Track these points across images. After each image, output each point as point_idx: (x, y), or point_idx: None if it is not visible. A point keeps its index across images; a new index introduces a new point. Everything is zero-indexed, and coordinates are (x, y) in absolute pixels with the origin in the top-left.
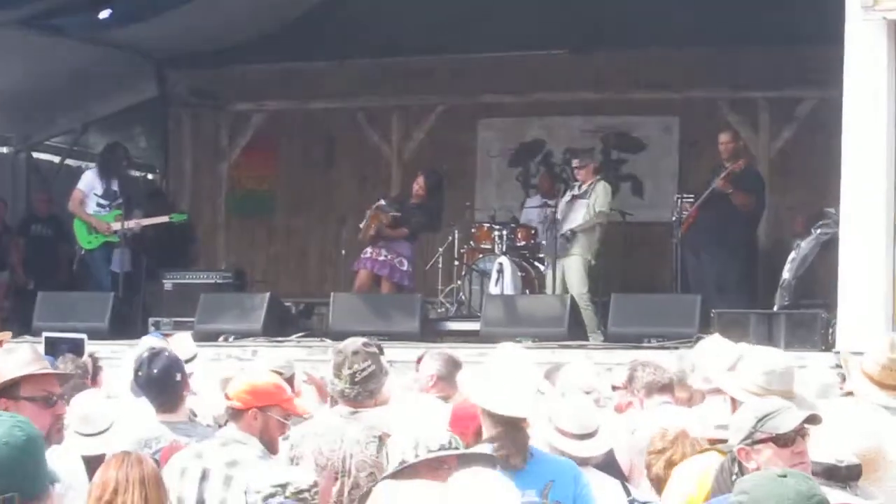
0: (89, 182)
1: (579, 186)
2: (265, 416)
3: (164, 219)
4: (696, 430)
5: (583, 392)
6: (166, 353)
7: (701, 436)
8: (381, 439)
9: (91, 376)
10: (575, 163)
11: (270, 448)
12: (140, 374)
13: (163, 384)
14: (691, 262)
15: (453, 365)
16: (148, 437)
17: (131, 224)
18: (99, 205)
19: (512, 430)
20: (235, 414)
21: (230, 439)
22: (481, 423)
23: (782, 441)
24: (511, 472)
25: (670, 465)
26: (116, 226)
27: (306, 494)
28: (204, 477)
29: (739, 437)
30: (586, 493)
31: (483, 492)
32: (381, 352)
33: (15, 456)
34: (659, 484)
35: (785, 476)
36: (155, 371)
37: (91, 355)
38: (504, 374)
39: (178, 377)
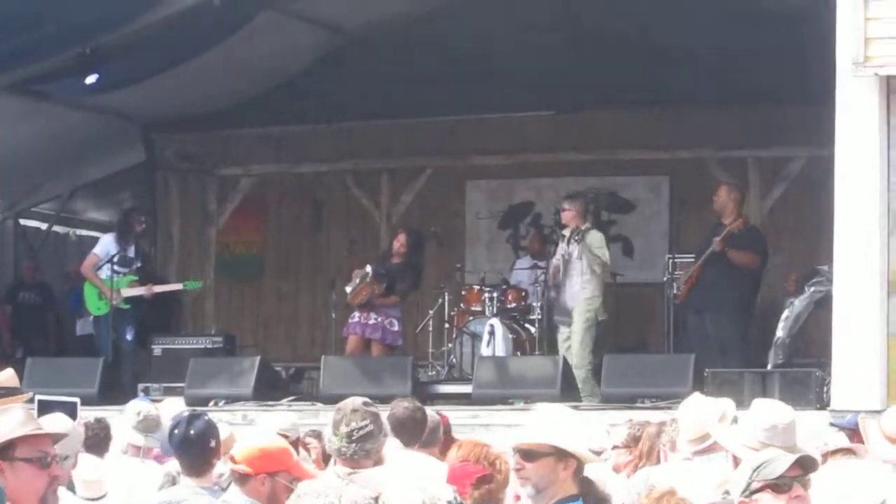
0: (105, 247)
1: (567, 239)
2: (273, 482)
3: (178, 286)
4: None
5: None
6: (206, 417)
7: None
8: (377, 500)
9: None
10: (563, 205)
11: None
12: (176, 433)
13: (197, 447)
14: (692, 322)
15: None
16: (170, 500)
17: (142, 291)
18: (115, 271)
19: (588, 482)
20: (242, 478)
21: None
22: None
23: (778, 488)
24: None
25: None
26: (128, 292)
27: None
28: None
29: (739, 490)
30: None
31: None
32: None
33: None
34: None
35: None
36: (192, 433)
37: (100, 421)
38: (576, 422)
39: (213, 443)
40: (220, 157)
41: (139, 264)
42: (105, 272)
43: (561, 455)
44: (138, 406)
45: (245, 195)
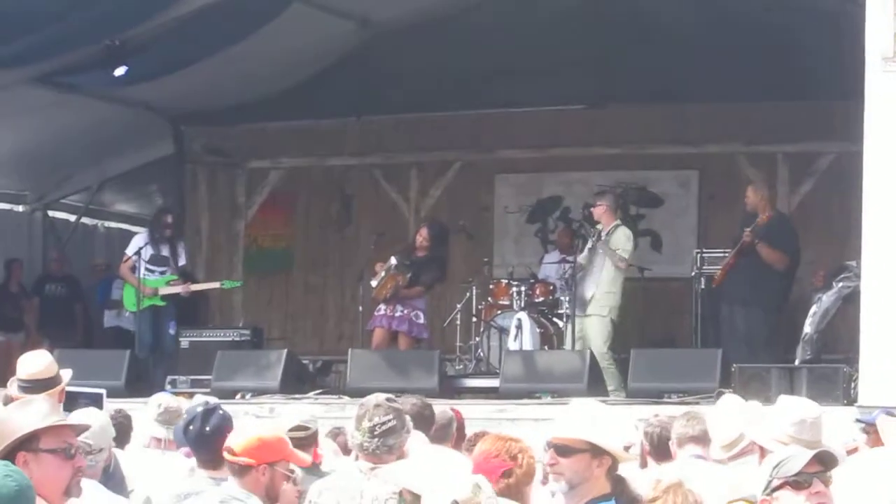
0: (135, 246)
1: (597, 234)
2: (272, 472)
3: (216, 285)
4: (722, 489)
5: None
6: (220, 412)
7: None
8: (402, 495)
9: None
10: (595, 202)
11: (274, 502)
12: (192, 428)
13: (213, 442)
14: (725, 314)
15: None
16: (188, 492)
17: (179, 289)
18: (147, 269)
19: (622, 481)
20: (241, 470)
21: (229, 497)
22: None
23: (797, 485)
24: None
25: None
26: (165, 290)
27: None
28: None
29: (760, 488)
30: None
31: None
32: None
33: None
34: None
35: None
36: (207, 428)
37: (120, 412)
38: (611, 420)
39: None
40: (249, 151)
41: (183, 262)
42: (141, 270)
43: (596, 452)
44: (160, 398)
45: (273, 188)
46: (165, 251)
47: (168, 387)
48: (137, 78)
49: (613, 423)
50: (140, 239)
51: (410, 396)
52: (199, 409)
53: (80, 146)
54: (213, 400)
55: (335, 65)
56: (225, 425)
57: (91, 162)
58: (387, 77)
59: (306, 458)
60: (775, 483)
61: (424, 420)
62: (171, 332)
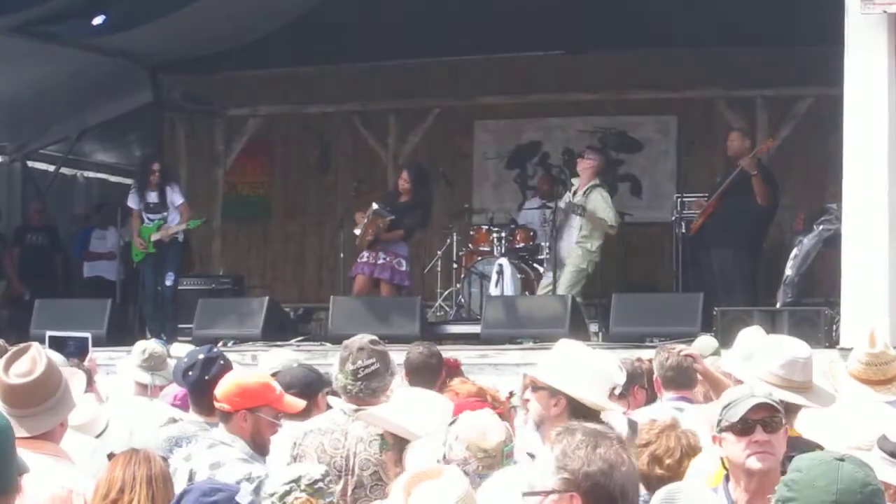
0: (132, 199)
1: (574, 191)
2: (255, 417)
3: (183, 226)
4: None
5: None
6: (221, 361)
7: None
8: (384, 437)
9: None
10: (585, 154)
11: (262, 449)
12: (191, 374)
13: (211, 389)
14: (703, 259)
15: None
16: (179, 436)
17: (159, 235)
18: (149, 218)
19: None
20: (225, 416)
21: (217, 441)
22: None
23: (740, 429)
24: None
25: (654, 460)
26: (155, 236)
27: (321, 485)
28: (190, 479)
29: (714, 425)
30: None
31: None
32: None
33: None
34: (646, 480)
35: (842, 460)
36: (207, 376)
37: (91, 359)
38: (585, 363)
39: None
40: (228, 98)
41: (179, 201)
42: (145, 220)
43: (553, 392)
44: (144, 345)
45: (252, 136)
46: (155, 198)
47: (149, 335)
48: (116, 27)
49: (584, 367)
50: (132, 192)
51: (418, 345)
52: (201, 356)
53: (58, 96)
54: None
55: (313, 11)
56: (224, 373)
57: (70, 112)
58: (364, 23)
59: (298, 403)
60: (723, 424)
61: (430, 370)
62: (168, 283)
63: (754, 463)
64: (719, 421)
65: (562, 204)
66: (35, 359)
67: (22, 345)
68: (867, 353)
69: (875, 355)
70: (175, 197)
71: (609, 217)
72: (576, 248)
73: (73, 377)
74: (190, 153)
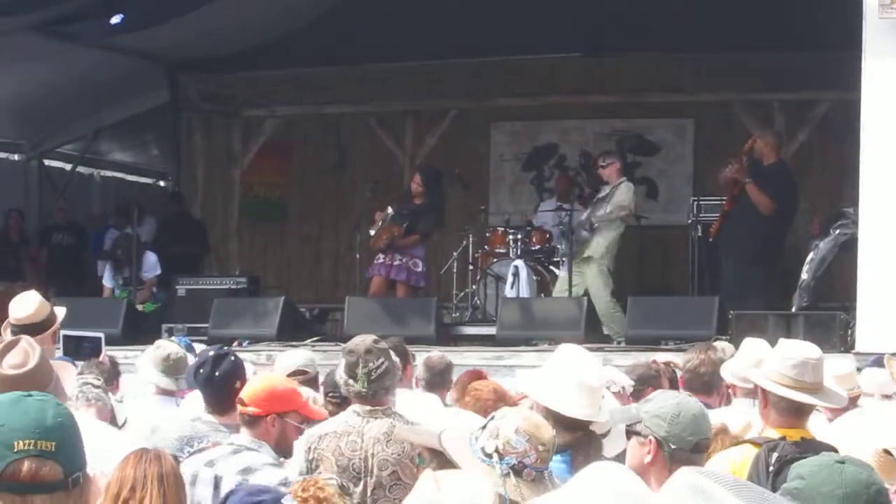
0: (107, 278)
1: (603, 189)
2: (283, 423)
3: (139, 307)
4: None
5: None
6: (231, 358)
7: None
8: (422, 454)
9: (107, 380)
10: (601, 161)
11: (286, 455)
12: (201, 371)
13: (221, 387)
14: (721, 260)
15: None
16: (191, 436)
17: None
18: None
19: (586, 437)
20: (251, 421)
21: (241, 447)
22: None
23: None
24: None
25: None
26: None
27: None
28: (216, 485)
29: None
30: None
31: None
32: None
33: (72, 435)
34: None
35: (843, 462)
36: (217, 374)
37: (111, 358)
38: (572, 376)
39: (238, 384)
40: (245, 99)
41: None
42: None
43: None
44: (164, 349)
45: (269, 137)
46: (127, 272)
47: (167, 335)
48: (133, 26)
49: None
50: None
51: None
52: (211, 353)
53: (76, 95)
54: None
55: (332, 12)
56: (235, 371)
57: (87, 111)
58: (382, 25)
59: (322, 411)
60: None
61: (400, 356)
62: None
63: None
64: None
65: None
66: (27, 351)
67: (13, 338)
68: None
69: None
70: (153, 269)
71: (626, 199)
72: (594, 242)
73: (64, 370)
74: (207, 153)
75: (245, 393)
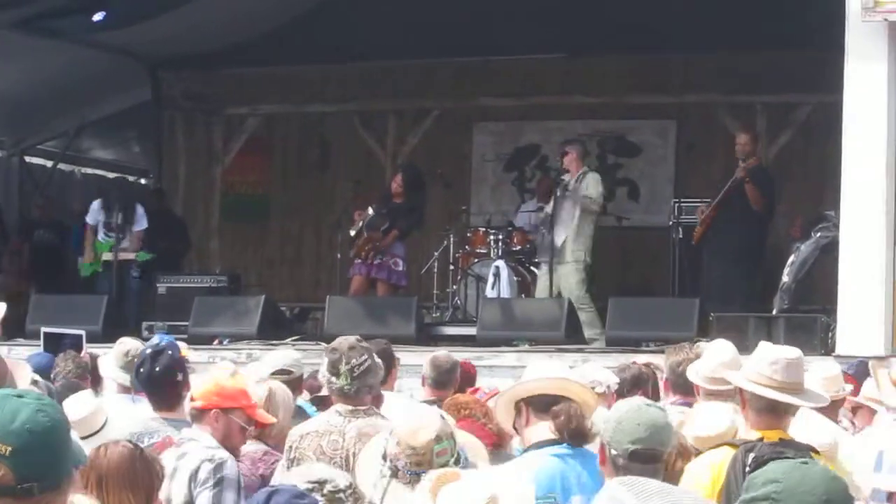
0: (91, 216)
1: (566, 184)
2: (227, 419)
3: (131, 255)
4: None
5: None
6: (169, 353)
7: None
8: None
9: (92, 375)
10: (563, 149)
11: (232, 454)
12: (142, 370)
13: (163, 383)
14: (703, 262)
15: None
16: (141, 432)
17: (109, 257)
18: (106, 234)
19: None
20: (197, 415)
21: (187, 437)
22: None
23: None
24: None
25: None
26: (106, 255)
27: (342, 496)
28: (192, 479)
29: None
30: None
31: None
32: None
33: (39, 443)
34: None
35: (806, 463)
36: (157, 369)
37: (91, 354)
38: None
39: (180, 377)
40: (227, 97)
41: (140, 227)
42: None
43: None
44: (128, 346)
45: (251, 135)
46: (120, 219)
47: (145, 332)
48: (116, 23)
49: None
50: (96, 205)
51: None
52: (148, 350)
53: (58, 92)
54: (166, 337)
55: (314, 10)
56: (173, 365)
57: (69, 108)
58: (365, 24)
59: (269, 418)
60: None
61: (385, 359)
62: (134, 275)
63: None
64: None
65: (549, 207)
66: None
67: None
68: None
69: None
70: (140, 221)
71: (594, 193)
72: (568, 239)
73: (17, 368)
74: (188, 151)
75: (194, 389)
